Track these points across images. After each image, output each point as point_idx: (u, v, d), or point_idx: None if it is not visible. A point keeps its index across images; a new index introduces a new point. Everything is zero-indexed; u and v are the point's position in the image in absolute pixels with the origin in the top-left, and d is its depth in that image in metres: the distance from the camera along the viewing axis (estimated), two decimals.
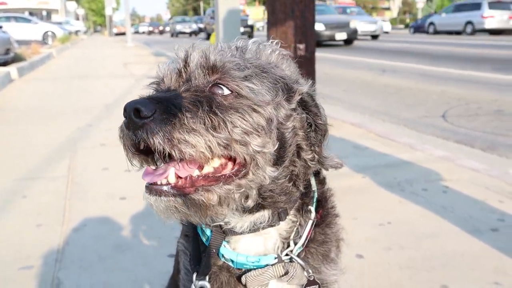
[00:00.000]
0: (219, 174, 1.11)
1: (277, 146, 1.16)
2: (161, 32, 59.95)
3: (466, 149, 5.65)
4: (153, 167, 1.13)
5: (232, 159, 1.13)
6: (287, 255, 1.29)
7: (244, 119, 1.10)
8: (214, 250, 1.29)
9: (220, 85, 1.13)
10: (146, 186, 1.09)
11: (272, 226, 1.26)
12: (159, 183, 1.07)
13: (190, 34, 55.53)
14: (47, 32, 34.57)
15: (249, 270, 1.28)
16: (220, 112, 1.08)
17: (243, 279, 1.28)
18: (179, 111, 1.04)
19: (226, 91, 1.13)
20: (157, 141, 1.01)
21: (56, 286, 2.61)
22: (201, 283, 1.28)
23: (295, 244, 1.30)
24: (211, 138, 1.04)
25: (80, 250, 3.03)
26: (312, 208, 1.33)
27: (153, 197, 1.07)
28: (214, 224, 1.21)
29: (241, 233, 1.26)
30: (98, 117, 7.28)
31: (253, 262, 1.28)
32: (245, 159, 1.11)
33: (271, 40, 1.34)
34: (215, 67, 1.15)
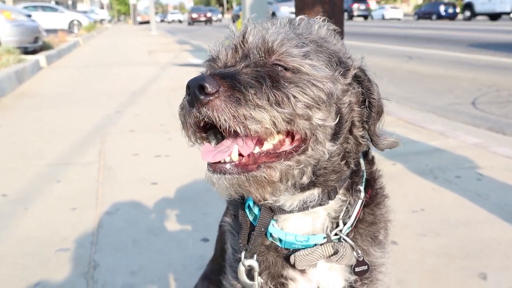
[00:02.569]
0: (280, 151, 1.11)
1: (337, 120, 1.15)
2: (208, 21, 57.62)
3: (498, 136, 5.52)
4: (212, 145, 1.13)
5: (290, 135, 1.12)
6: (336, 234, 1.28)
7: (305, 94, 1.09)
8: (262, 229, 1.28)
9: (280, 64, 1.12)
10: (209, 164, 1.08)
11: (321, 205, 1.25)
12: (222, 161, 1.07)
13: (205, 22, 59.99)
14: (73, 21, 34.93)
15: (297, 250, 1.27)
16: (282, 87, 1.07)
17: (291, 258, 1.26)
18: (243, 87, 1.03)
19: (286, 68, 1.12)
20: (223, 118, 1.00)
21: (93, 268, 2.64)
22: (249, 261, 1.28)
23: (344, 224, 1.29)
24: (275, 114, 1.03)
25: (114, 233, 3.06)
26: (362, 188, 1.31)
27: (216, 175, 1.06)
28: (264, 202, 1.20)
29: (290, 212, 1.25)
30: (125, 103, 7.34)
31: (301, 242, 1.27)
32: (305, 134, 1.10)
33: (317, 17, 1.31)
34: (273, 47, 1.13)
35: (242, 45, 1.16)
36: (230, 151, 1.07)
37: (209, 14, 60.29)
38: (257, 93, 1.03)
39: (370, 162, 1.38)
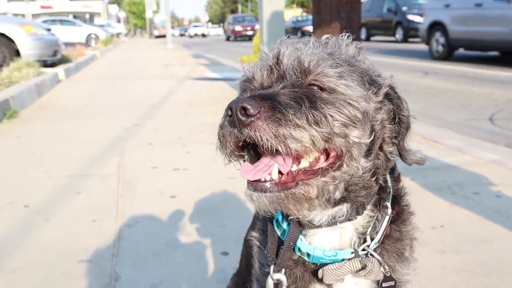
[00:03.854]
0: (316, 167, 1.15)
1: (371, 137, 1.19)
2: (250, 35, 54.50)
3: None
4: (247, 162, 1.17)
5: (325, 152, 1.16)
6: (363, 250, 1.30)
7: (342, 113, 1.12)
8: (291, 243, 1.30)
9: (316, 84, 1.16)
10: (249, 182, 1.12)
11: (349, 220, 1.27)
12: (262, 179, 1.11)
13: (202, 35, 59.71)
14: (90, 34, 35.50)
15: (324, 264, 1.29)
16: (320, 107, 1.11)
17: (319, 272, 1.28)
18: (283, 108, 1.07)
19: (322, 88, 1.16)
20: (265, 138, 1.05)
21: (114, 280, 2.67)
22: (277, 275, 1.29)
23: (372, 239, 1.31)
24: (314, 133, 1.07)
25: (134, 245, 3.09)
26: (389, 204, 1.33)
27: (257, 193, 1.10)
28: (301, 218, 1.23)
29: (318, 227, 1.28)
30: (143, 116, 7.41)
31: (329, 256, 1.29)
32: (341, 151, 1.14)
33: (342, 34, 1.34)
34: (309, 67, 1.17)
35: (277, 66, 1.20)
36: (270, 169, 1.11)
37: (257, 27, 54.60)
38: (296, 113, 1.07)
39: (396, 179, 1.40)
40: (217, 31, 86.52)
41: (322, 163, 1.15)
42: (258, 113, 1.05)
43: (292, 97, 1.11)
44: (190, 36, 75.91)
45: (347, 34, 1.34)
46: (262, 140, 1.05)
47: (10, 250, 3.05)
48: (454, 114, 7.77)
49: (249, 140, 1.08)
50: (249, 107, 1.04)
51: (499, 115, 7.56)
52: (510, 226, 3.24)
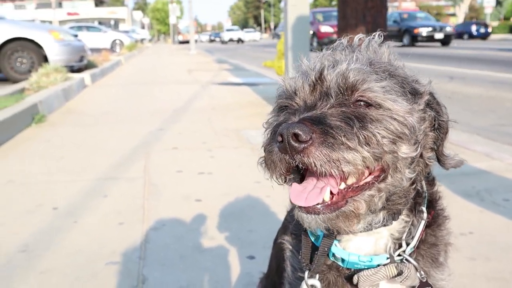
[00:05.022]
0: (363, 183, 1.15)
1: (418, 151, 1.19)
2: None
3: None
4: (297, 183, 1.18)
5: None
6: (399, 255, 1.28)
7: (391, 130, 1.13)
8: (326, 249, 1.29)
9: (363, 100, 1.16)
10: (299, 207, 1.13)
11: (385, 225, 1.27)
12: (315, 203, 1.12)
13: (238, 41, 55.49)
14: (115, 40, 36.02)
15: (359, 270, 1.28)
16: (369, 126, 1.11)
17: (355, 278, 1.27)
18: (335, 132, 1.07)
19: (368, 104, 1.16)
20: (319, 164, 1.05)
21: (141, 282, 2.69)
22: (311, 281, 1.29)
23: (407, 244, 1.29)
24: (366, 154, 1.08)
25: (161, 248, 3.11)
26: (424, 209, 1.32)
27: (310, 216, 1.12)
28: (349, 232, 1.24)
29: (354, 233, 1.27)
30: (168, 121, 7.47)
31: (364, 262, 1.28)
32: (387, 165, 1.14)
33: (374, 35, 1.33)
34: (356, 85, 1.16)
35: (320, 82, 1.19)
36: (323, 193, 1.12)
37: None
38: (347, 136, 1.07)
39: (431, 182, 1.39)
40: (253, 35, 73.84)
41: (368, 177, 1.16)
42: (310, 139, 1.05)
43: (341, 118, 1.11)
44: (223, 42, 64.91)
45: (378, 33, 1.32)
46: (316, 166, 1.06)
47: (40, 252, 3.10)
48: (482, 120, 7.64)
49: (301, 166, 1.09)
50: (301, 133, 1.04)
51: None
52: None
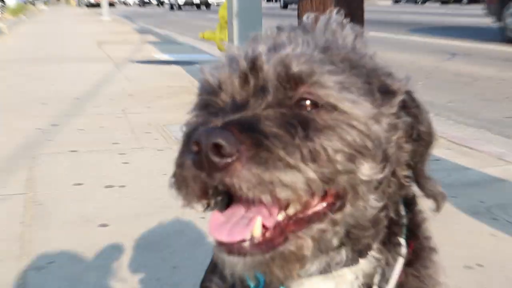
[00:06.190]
0: (311, 213, 1.14)
1: (385, 171, 1.19)
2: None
3: None
4: (219, 210, 1.17)
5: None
6: None
7: (347, 143, 1.12)
8: None
9: (309, 99, 1.14)
10: (219, 243, 1.12)
11: (349, 266, 1.25)
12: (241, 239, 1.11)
13: (200, 5, 48.60)
14: None
15: None
16: (317, 136, 1.10)
17: None
18: (270, 143, 1.05)
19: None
20: (246, 186, 1.03)
21: None
22: None
23: None
24: (311, 175, 1.06)
25: None
26: (403, 240, 1.31)
27: (232, 257, 1.10)
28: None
29: (306, 276, 1.25)
30: (66, 113, 7.33)
31: None
32: (344, 190, 1.13)
33: (332, 11, 1.35)
34: (301, 77, 1.15)
35: (254, 73, 1.18)
36: (252, 225, 1.10)
37: None
38: (287, 148, 1.05)
39: (411, 201, 1.38)
40: None
41: (318, 205, 1.15)
42: (237, 152, 1.02)
43: (280, 123, 1.09)
44: (175, 7, 54.94)
45: (340, 11, 1.34)
46: (242, 189, 1.03)
47: None
48: (493, 110, 7.82)
49: (222, 188, 1.06)
50: (224, 143, 1.01)
51: None
52: None
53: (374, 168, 1.16)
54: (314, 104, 1.14)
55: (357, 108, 1.14)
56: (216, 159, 1.02)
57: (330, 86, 1.14)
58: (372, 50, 1.32)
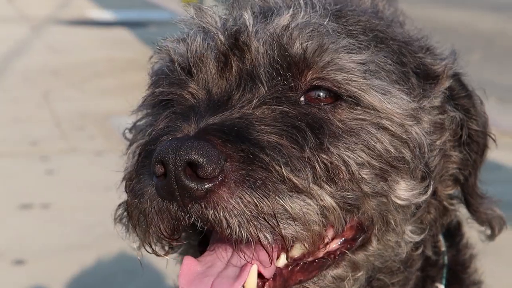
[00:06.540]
0: (322, 254, 1.16)
1: (430, 189, 1.21)
2: None
3: None
4: (192, 256, 1.18)
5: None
6: None
7: (376, 153, 1.14)
8: None
9: (322, 87, 1.16)
10: None
11: None
12: None
13: None
14: None
15: None
16: (334, 145, 1.11)
17: None
18: (267, 156, 1.05)
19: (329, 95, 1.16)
20: (237, 222, 1.03)
21: None
22: None
23: None
24: (328, 200, 1.08)
25: None
26: (442, 287, 1.37)
27: None
28: None
29: None
30: None
31: None
32: (371, 219, 1.15)
33: None
34: (306, 57, 1.16)
35: (238, 53, 1.19)
36: (243, 277, 1.11)
37: None
38: (292, 163, 1.06)
39: (454, 232, 1.44)
40: None
41: (333, 243, 1.17)
42: (220, 172, 1.02)
43: (280, 127, 1.10)
44: None
45: None
46: (230, 226, 1.04)
47: None
48: None
49: (201, 224, 1.06)
50: (202, 161, 1.01)
51: None
52: None
53: (414, 187, 1.18)
54: (329, 96, 1.15)
55: (390, 101, 1.16)
56: (192, 184, 1.02)
57: (350, 69, 1.15)
58: (400, 14, 1.35)
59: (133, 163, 1.14)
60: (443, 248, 1.38)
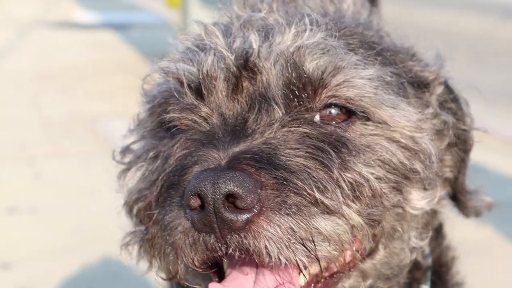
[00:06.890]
0: (339, 266, 1.17)
1: (437, 195, 1.25)
2: None
3: None
4: (221, 285, 1.16)
5: None
6: None
7: (392, 166, 1.17)
8: None
9: (337, 105, 1.18)
10: None
11: None
12: None
13: None
14: None
15: None
16: (354, 162, 1.13)
17: None
18: (299, 180, 1.06)
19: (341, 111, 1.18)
20: (276, 250, 1.04)
21: None
22: None
23: None
24: (356, 219, 1.10)
25: None
26: None
27: None
28: None
29: None
30: None
31: None
32: (381, 229, 1.18)
33: None
34: (323, 77, 1.17)
35: (247, 74, 1.18)
36: None
37: None
38: (322, 186, 1.07)
39: (437, 235, 1.45)
40: None
41: (347, 256, 1.18)
42: (258, 202, 1.03)
43: (305, 149, 1.10)
44: None
45: None
46: (269, 253, 1.04)
47: None
48: None
49: (238, 253, 1.06)
50: (241, 192, 1.01)
51: None
52: None
53: (425, 196, 1.21)
54: (341, 113, 1.17)
55: (399, 114, 1.18)
56: (231, 216, 1.02)
57: (362, 85, 1.17)
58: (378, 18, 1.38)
59: (155, 195, 1.13)
60: (427, 250, 1.40)
